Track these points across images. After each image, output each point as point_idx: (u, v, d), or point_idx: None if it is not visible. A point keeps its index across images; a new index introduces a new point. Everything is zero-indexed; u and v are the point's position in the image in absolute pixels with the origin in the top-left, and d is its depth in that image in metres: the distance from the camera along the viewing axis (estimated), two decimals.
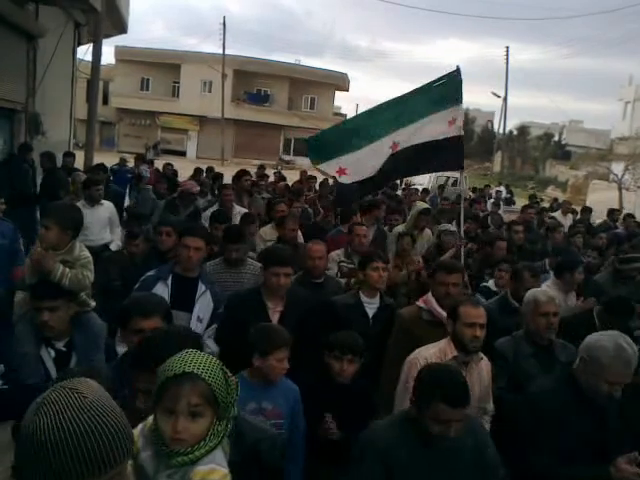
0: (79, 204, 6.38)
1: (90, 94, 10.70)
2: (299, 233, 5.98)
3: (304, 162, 41.57)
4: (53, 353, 3.03)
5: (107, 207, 6.76)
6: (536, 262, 6.00)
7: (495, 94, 41.37)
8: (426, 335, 3.41)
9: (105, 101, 39.96)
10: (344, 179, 4.99)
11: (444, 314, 3.42)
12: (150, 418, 1.81)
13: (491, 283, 5.38)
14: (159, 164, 14.46)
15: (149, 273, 3.80)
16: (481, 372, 3.18)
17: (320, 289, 4.32)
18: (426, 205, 7.23)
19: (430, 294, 3.71)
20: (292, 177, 13.77)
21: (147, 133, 42.34)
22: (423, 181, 22.86)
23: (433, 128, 4.96)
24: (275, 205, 6.47)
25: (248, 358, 2.83)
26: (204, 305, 3.74)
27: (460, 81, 5.04)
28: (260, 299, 3.64)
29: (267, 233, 6.10)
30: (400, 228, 6.55)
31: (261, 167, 14.22)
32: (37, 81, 10.58)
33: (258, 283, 3.90)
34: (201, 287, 3.77)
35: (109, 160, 13.39)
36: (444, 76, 5.04)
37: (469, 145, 56.04)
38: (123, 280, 4.54)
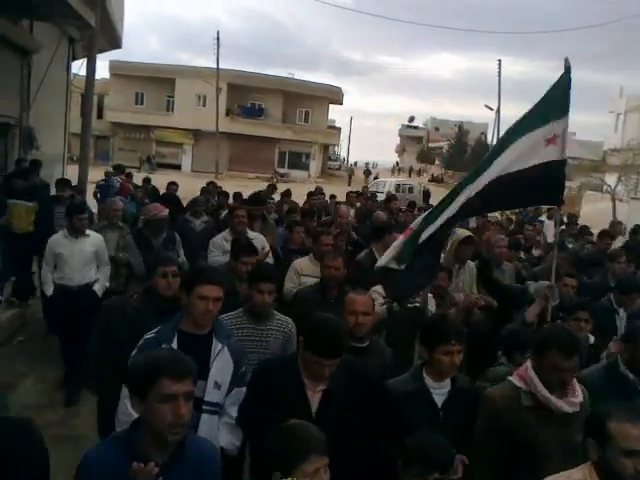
0: (60, 234, 5.74)
1: (84, 108, 10.69)
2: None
3: (298, 175, 41.87)
4: None
5: (93, 239, 5.86)
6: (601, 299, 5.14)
7: (488, 107, 41.67)
8: (530, 428, 2.60)
9: (100, 115, 40.09)
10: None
11: (554, 400, 2.61)
12: None
13: None
14: (157, 178, 14.30)
15: (148, 335, 2.97)
16: None
17: (363, 357, 3.20)
18: (468, 233, 5.59)
19: (530, 367, 2.73)
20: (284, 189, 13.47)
21: (142, 147, 42.44)
22: (384, 189, 23.71)
23: (527, 151, 3.74)
24: (319, 236, 5.37)
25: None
26: (222, 367, 2.99)
27: (568, 82, 3.80)
28: (297, 374, 2.76)
29: (304, 267, 5.13)
30: None
31: (271, 186, 12.66)
32: (31, 96, 10.60)
33: (285, 343, 3.23)
34: (216, 345, 2.99)
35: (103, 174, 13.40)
36: (557, 81, 3.82)
37: (463, 158, 56.37)
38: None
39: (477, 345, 3.64)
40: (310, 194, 11.36)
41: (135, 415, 2.13)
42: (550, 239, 9.96)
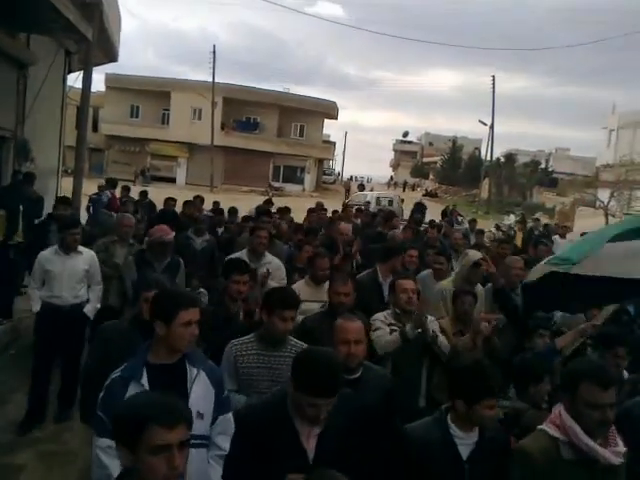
0: (51, 250, 5.43)
1: (80, 121, 10.67)
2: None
3: (293, 189, 41.95)
4: None
5: (86, 257, 5.48)
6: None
7: (482, 122, 41.99)
8: None
9: (95, 128, 40.15)
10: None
11: (600, 450, 2.32)
12: None
13: None
14: (151, 192, 14.27)
15: (114, 374, 2.66)
16: None
17: (356, 389, 2.85)
18: (479, 255, 5.35)
19: (564, 412, 2.42)
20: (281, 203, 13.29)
21: (136, 160, 42.45)
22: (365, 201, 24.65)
23: None
24: (315, 259, 5.04)
25: None
26: (202, 394, 2.72)
27: None
28: (288, 420, 2.46)
29: (302, 291, 4.71)
30: (448, 283, 5.18)
31: (268, 201, 12.27)
32: (27, 108, 10.60)
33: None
34: (191, 371, 2.73)
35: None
36: None
37: (457, 173, 56.72)
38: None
39: None
40: (311, 210, 10.70)
41: (112, 468, 2.00)
42: None
